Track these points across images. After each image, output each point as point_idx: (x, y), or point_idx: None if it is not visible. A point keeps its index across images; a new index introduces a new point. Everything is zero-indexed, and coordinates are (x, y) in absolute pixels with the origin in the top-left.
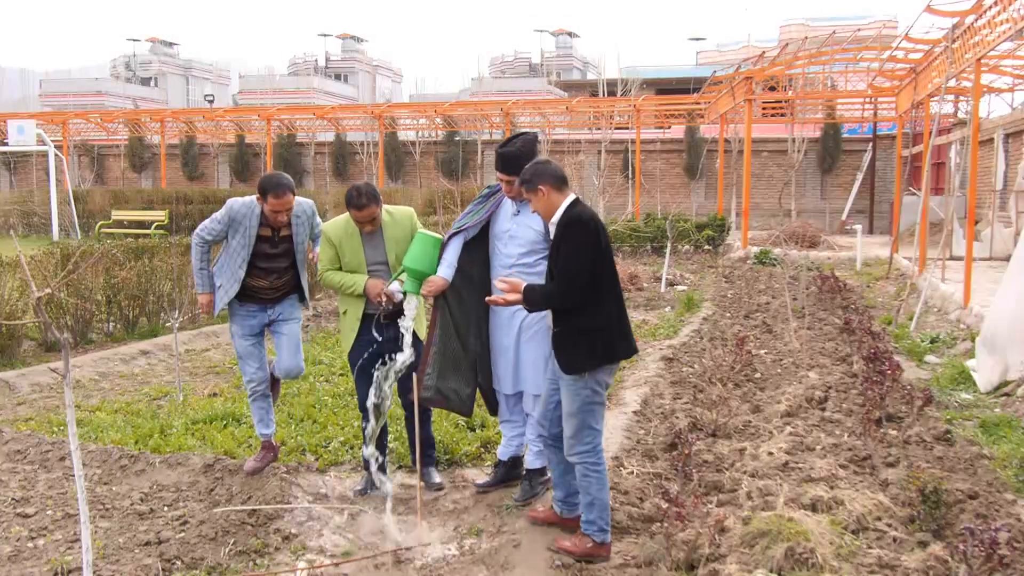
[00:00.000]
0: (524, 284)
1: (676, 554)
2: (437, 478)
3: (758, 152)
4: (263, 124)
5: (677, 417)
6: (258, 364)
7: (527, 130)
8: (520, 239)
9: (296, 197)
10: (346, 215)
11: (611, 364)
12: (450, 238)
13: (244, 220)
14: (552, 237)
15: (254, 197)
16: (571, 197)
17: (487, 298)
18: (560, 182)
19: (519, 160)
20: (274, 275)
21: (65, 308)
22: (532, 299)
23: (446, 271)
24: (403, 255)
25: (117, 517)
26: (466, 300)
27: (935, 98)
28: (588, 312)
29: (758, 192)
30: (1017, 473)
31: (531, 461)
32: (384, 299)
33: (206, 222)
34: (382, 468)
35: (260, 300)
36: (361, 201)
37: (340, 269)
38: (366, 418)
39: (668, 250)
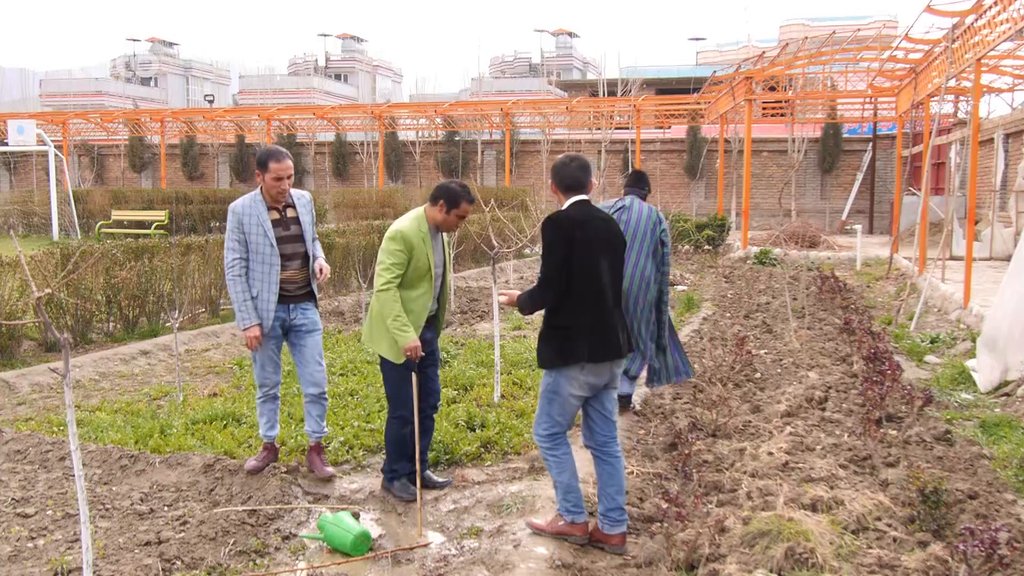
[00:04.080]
0: (518, 293)
1: (676, 554)
2: (438, 478)
3: (758, 152)
4: (263, 124)
5: (677, 417)
6: (273, 368)
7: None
8: None
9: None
10: (415, 217)
11: (576, 364)
12: None
13: (251, 211)
14: None
15: (249, 193)
16: (572, 199)
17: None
18: (566, 187)
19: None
20: (295, 262)
21: (65, 308)
22: (521, 303)
23: None
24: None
25: (117, 517)
26: None
27: (935, 98)
28: (562, 312)
29: (758, 192)
30: (1017, 473)
31: None
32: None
33: (225, 250)
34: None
35: (283, 298)
36: (472, 195)
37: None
38: (406, 423)
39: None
